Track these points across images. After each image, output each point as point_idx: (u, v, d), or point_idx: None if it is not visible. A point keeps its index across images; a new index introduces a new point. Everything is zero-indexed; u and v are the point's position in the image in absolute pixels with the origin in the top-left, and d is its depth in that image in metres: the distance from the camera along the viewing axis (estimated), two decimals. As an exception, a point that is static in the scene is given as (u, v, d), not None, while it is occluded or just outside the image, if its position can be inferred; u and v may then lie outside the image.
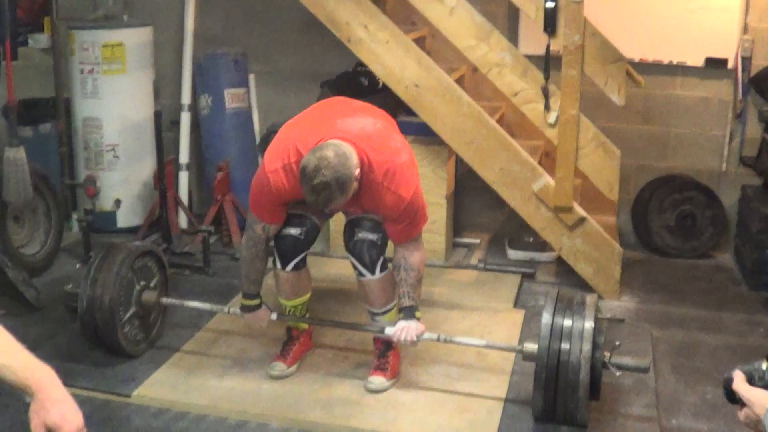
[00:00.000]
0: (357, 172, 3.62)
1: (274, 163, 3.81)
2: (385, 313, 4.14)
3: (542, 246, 5.82)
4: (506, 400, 4.04)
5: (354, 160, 3.61)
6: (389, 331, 3.98)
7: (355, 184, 3.64)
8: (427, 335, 3.98)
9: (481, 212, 6.40)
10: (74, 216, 6.32)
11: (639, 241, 6.29)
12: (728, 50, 5.99)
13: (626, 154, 5.70)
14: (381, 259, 4.00)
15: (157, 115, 5.71)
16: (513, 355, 4.42)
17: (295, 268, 4.12)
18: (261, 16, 6.55)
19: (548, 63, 5.13)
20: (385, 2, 5.96)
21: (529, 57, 5.40)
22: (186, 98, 6.43)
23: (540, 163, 5.56)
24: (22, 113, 5.64)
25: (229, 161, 6.06)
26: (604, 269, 5.29)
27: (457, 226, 6.20)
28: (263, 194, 3.88)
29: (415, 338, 3.92)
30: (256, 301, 4.20)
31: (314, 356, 4.42)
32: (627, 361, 3.77)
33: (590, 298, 3.89)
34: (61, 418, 1.99)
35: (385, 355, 4.19)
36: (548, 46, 5.10)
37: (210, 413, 3.94)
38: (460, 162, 5.72)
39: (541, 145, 6.03)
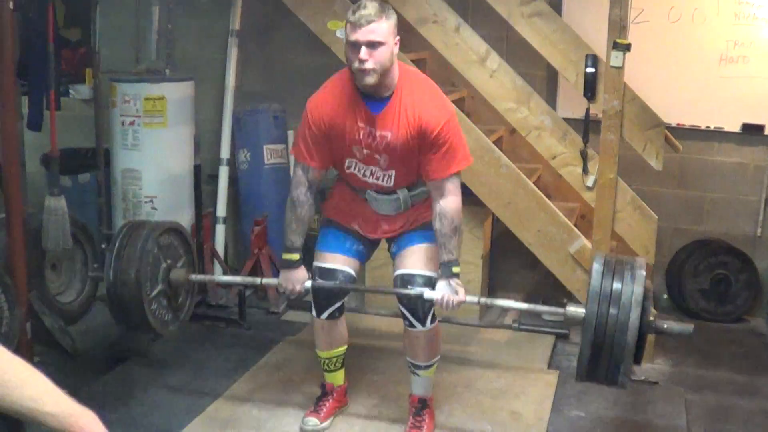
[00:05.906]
0: (397, 39, 3.74)
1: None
2: (428, 367, 4.14)
3: (576, 307, 5.80)
4: (542, 463, 4.03)
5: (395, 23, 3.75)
6: (429, 295, 3.86)
7: (395, 47, 3.74)
8: (469, 298, 3.90)
9: (516, 272, 6.39)
10: (111, 265, 6.36)
11: (673, 305, 6.27)
12: (765, 116, 6.03)
13: (662, 217, 5.70)
14: (432, 311, 4.00)
15: (197, 169, 5.77)
16: (548, 415, 4.43)
17: (331, 317, 4.14)
18: (301, 74, 6.60)
19: (587, 127, 5.18)
20: (426, 63, 6.03)
21: (567, 120, 5.45)
22: (225, 152, 6.46)
23: (576, 225, 5.56)
24: (61, 163, 5.71)
25: (267, 216, 6.09)
26: (639, 332, 5.26)
27: (492, 285, 6.18)
28: (302, 126, 3.98)
29: (457, 305, 3.85)
30: (295, 256, 4.06)
31: (348, 413, 4.41)
32: (671, 325, 3.68)
33: (639, 261, 3.68)
34: None
35: (421, 413, 4.18)
36: (587, 111, 5.15)
37: (245, 467, 3.94)
38: (496, 222, 5.74)
39: (577, 207, 6.05)
